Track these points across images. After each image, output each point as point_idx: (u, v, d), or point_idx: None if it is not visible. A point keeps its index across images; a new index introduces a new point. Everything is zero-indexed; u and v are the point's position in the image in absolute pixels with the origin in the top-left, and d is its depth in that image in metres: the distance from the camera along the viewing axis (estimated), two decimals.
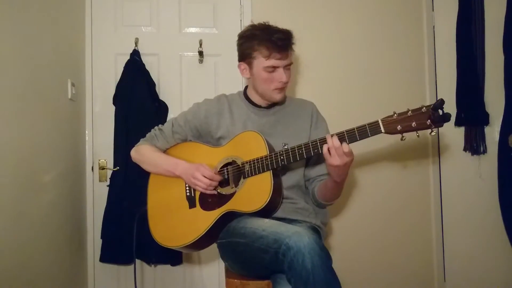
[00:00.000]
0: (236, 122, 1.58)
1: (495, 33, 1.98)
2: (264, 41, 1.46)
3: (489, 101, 2.07)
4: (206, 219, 1.47)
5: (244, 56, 1.55)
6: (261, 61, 1.49)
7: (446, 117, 1.20)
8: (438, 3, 2.43)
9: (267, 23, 1.53)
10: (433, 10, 2.44)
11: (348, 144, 1.31)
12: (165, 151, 1.68)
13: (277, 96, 1.53)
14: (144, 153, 1.65)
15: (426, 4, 2.46)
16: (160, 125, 1.70)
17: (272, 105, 1.61)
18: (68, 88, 2.00)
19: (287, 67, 1.51)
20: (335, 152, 1.30)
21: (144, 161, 1.65)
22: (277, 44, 1.45)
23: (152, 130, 1.70)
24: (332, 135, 1.32)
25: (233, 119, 1.59)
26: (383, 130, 1.26)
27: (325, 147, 1.32)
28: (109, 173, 2.20)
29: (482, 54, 2.09)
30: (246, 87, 1.67)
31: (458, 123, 2.19)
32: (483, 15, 2.08)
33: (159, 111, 2.20)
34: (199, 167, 1.50)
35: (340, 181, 1.43)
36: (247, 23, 2.28)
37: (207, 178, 1.47)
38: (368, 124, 1.28)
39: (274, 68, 1.48)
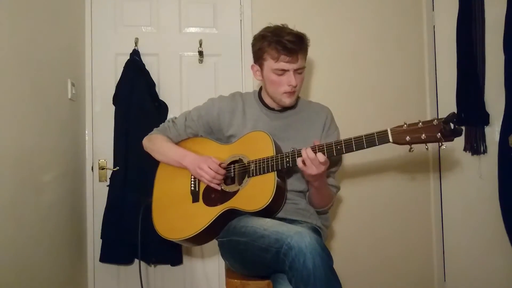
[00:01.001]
0: (247, 122, 1.58)
1: (495, 33, 1.98)
2: (274, 42, 1.45)
3: (489, 101, 2.07)
4: (208, 214, 1.47)
5: (256, 57, 1.55)
6: (270, 63, 1.48)
7: (457, 132, 1.19)
8: (438, 3, 2.43)
9: (284, 25, 1.51)
10: (433, 10, 2.45)
11: (325, 151, 1.32)
12: (177, 143, 1.69)
13: (287, 100, 1.52)
14: (156, 142, 1.66)
15: (426, 4, 2.46)
16: (173, 118, 1.72)
17: (286, 108, 1.60)
18: (68, 88, 1.99)
19: (298, 71, 1.49)
20: (310, 163, 1.33)
21: (155, 149, 1.66)
22: (286, 47, 1.43)
23: (166, 121, 1.72)
24: (311, 147, 1.34)
25: (245, 119, 1.59)
26: (391, 140, 1.25)
27: (299, 160, 1.34)
28: (109, 173, 2.19)
29: (482, 54, 2.09)
30: (261, 88, 1.66)
31: (458, 123, 2.18)
32: (483, 15, 2.08)
33: (159, 111, 2.20)
34: (207, 159, 1.51)
35: (318, 186, 1.44)
36: (247, 23, 2.31)
37: (213, 170, 1.48)
38: (376, 133, 1.27)
39: (283, 71, 1.47)
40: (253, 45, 1.55)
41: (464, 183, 2.26)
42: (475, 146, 2.13)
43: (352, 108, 2.34)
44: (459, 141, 2.21)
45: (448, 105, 2.25)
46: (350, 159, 2.34)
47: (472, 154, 2.16)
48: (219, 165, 1.51)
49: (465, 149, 2.19)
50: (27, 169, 1.55)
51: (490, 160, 2.06)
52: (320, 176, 1.38)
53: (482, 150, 2.11)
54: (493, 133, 2.07)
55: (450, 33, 2.25)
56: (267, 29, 1.51)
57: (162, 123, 1.72)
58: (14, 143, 1.46)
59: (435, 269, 2.42)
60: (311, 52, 2.31)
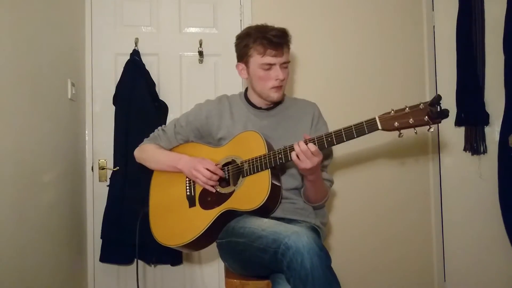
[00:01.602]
0: (236, 124, 1.58)
1: (495, 33, 1.98)
2: (259, 38, 1.48)
3: (489, 101, 2.07)
4: (205, 218, 1.47)
5: (241, 55, 1.56)
6: (257, 59, 1.50)
7: (444, 113, 1.19)
8: (438, 3, 2.43)
9: (264, 24, 1.54)
10: (433, 10, 2.44)
11: (315, 144, 1.34)
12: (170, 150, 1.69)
13: (275, 95, 1.54)
14: (148, 151, 1.67)
15: (426, 4, 2.46)
16: (162, 126, 1.72)
17: (272, 106, 1.61)
18: (68, 88, 2.00)
19: (283, 65, 1.52)
20: (304, 157, 1.33)
21: (148, 159, 1.67)
22: (271, 41, 1.46)
23: (155, 130, 1.72)
24: (304, 141, 1.35)
25: (234, 120, 1.59)
26: (380, 127, 1.27)
27: (293, 154, 1.35)
28: (109, 173, 2.19)
29: (482, 54, 2.09)
30: (247, 89, 1.67)
31: (458, 123, 2.19)
32: (483, 15, 2.08)
33: (159, 111, 2.20)
34: (202, 160, 1.52)
35: (313, 180, 1.45)
36: (247, 23, 2.31)
37: (210, 170, 1.48)
38: (365, 121, 1.28)
39: (270, 65, 1.49)
40: (238, 44, 1.57)
41: (464, 183, 2.26)
42: (475, 146, 2.13)
43: (352, 108, 2.33)
44: (459, 141, 2.22)
45: (448, 105, 2.22)
46: (348, 159, 2.35)
47: (472, 154, 2.16)
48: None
49: (465, 149, 2.19)
50: (27, 169, 1.55)
51: (490, 160, 2.06)
52: (315, 169, 1.39)
53: (482, 150, 2.11)
54: (493, 133, 2.07)
55: (450, 33, 2.25)
56: (250, 28, 1.55)
57: (152, 133, 1.72)
58: (14, 143, 1.46)
59: (435, 269, 2.42)
60: (311, 51, 2.33)
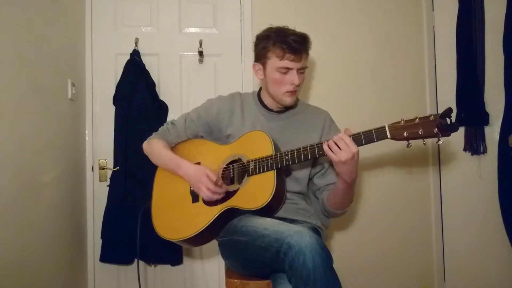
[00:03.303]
0: (245, 122, 1.59)
1: (495, 33, 1.98)
2: (279, 41, 1.47)
3: (489, 101, 2.07)
4: (208, 214, 1.47)
5: (259, 56, 1.56)
6: (274, 62, 1.49)
7: (453, 127, 1.20)
8: (438, 3, 2.43)
9: (285, 26, 1.54)
10: (433, 10, 2.45)
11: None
12: (176, 145, 1.70)
13: (288, 100, 1.53)
14: (154, 147, 1.67)
15: (426, 4, 2.46)
16: (173, 119, 1.73)
17: (284, 110, 1.61)
18: (68, 88, 2.00)
19: (300, 70, 1.51)
20: (344, 144, 1.28)
21: (153, 154, 1.68)
22: (291, 46, 1.46)
23: (165, 124, 1.73)
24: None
25: (244, 119, 1.60)
26: (389, 136, 1.26)
27: (325, 146, 1.31)
28: (109, 173, 2.19)
29: (482, 54, 2.09)
30: (260, 88, 1.67)
31: (458, 123, 2.18)
32: (483, 15, 2.09)
33: (159, 111, 2.20)
34: (202, 178, 1.49)
35: (350, 181, 1.39)
36: (247, 23, 2.31)
37: (211, 191, 1.46)
38: (374, 129, 1.28)
39: (287, 69, 1.49)
40: (257, 44, 1.57)
41: (464, 183, 2.26)
42: (475, 146, 2.13)
43: (352, 108, 2.34)
44: (459, 141, 2.22)
45: (448, 105, 2.18)
46: None
47: (472, 154, 2.16)
48: (216, 180, 1.49)
49: (465, 149, 2.19)
50: (27, 169, 1.55)
51: (490, 160, 2.07)
52: (351, 164, 1.31)
53: (482, 150, 2.11)
54: (493, 133, 2.07)
55: (450, 33, 2.25)
56: (271, 30, 1.54)
57: (161, 126, 1.73)
58: (14, 143, 1.46)
59: (435, 269, 2.42)
60: (311, 51, 2.31)
